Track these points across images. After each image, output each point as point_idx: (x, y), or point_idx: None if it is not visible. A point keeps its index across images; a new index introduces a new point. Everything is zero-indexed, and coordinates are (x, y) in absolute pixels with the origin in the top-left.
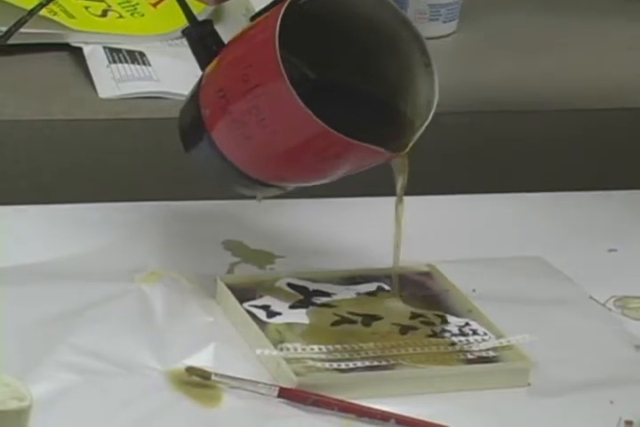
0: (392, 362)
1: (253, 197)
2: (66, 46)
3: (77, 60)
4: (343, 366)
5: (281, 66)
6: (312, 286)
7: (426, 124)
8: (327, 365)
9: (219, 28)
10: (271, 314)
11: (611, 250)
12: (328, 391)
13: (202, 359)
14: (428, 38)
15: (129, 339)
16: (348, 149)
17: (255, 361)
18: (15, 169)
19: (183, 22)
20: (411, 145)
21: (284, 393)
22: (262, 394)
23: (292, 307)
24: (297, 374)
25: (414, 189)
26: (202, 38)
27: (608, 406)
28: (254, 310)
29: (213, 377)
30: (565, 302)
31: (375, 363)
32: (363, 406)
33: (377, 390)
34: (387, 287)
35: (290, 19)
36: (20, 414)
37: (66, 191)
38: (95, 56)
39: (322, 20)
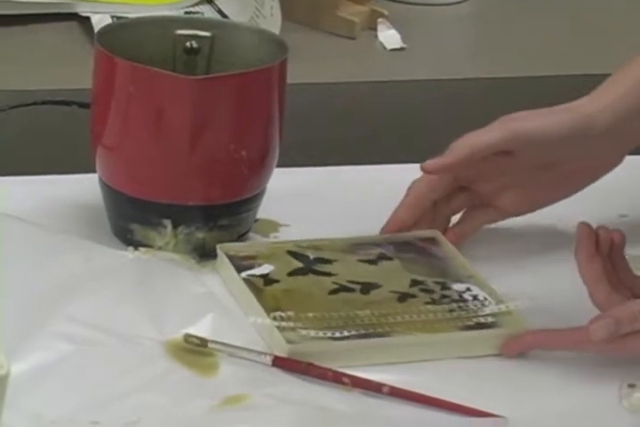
0: (387, 330)
1: None
2: (74, 16)
3: (85, 29)
4: (337, 334)
5: None
6: (313, 254)
7: None
8: (321, 333)
9: (226, 1)
10: (269, 281)
11: (622, 215)
12: (321, 359)
13: (200, 329)
14: (443, 5)
15: (127, 309)
16: None
17: (252, 331)
18: (21, 139)
19: None
20: None
21: (278, 361)
22: (257, 362)
23: (290, 274)
24: (289, 342)
25: (428, 155)
26: None
27: (610, 370)
28: (252, 279)
29: (210, 344)
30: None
31: (370, 331)
32: (355, 376)
33: (371, 357)
34: (388, 254)
35: None
36: None
37: (73, 162)
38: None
39: None
